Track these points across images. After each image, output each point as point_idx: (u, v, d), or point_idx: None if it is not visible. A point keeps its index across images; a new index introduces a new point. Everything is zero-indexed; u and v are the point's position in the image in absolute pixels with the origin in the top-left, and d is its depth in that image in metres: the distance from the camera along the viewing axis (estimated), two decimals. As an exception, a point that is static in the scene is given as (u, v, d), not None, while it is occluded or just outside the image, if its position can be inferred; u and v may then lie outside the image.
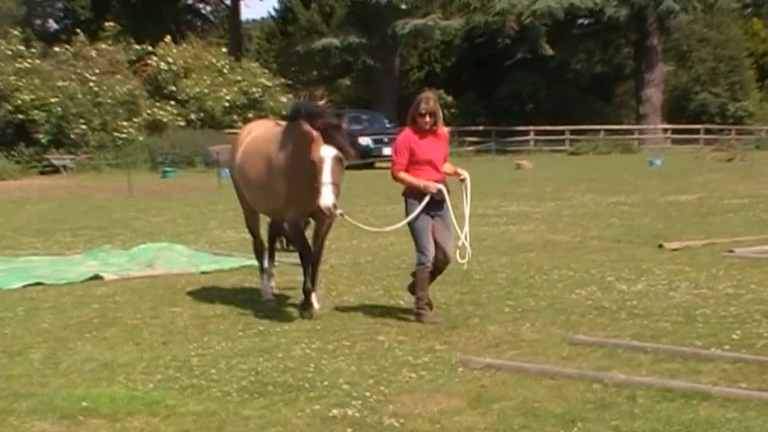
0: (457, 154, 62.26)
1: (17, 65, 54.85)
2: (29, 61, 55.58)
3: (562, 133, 71.32)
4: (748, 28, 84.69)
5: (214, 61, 60.97)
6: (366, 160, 53.28)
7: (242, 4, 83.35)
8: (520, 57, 72.97)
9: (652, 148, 67.96)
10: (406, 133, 13.16)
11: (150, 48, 59.64)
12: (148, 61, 58.92)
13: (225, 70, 60.81)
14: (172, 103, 57.48)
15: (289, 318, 13.58)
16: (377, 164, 53.84)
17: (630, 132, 74.38)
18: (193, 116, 57.34)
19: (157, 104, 56.91)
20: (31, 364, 11.20)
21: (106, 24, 62.09)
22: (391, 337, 12.18)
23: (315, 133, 12.76)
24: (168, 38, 61.26)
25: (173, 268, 17.93)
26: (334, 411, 9.13)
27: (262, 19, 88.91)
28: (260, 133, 14.88)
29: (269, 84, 61.86)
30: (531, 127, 71.00)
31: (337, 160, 12.77)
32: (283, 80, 64.17)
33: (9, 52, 55.93)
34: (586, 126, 71.67)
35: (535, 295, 14.88)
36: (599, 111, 77.25)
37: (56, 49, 58.50)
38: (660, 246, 19.64)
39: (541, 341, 11.89)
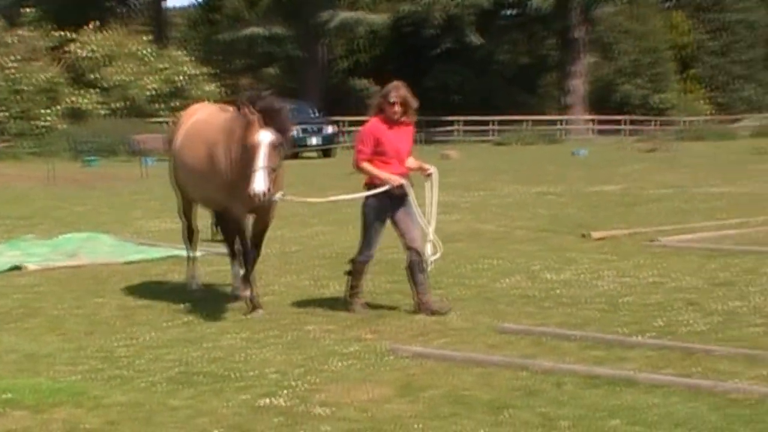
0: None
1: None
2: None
3: (487, 123, 71.68)
4: (669, 21, 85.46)
5: (137, 48, 60.69)
6: (292, 148, 53.36)
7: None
8: (447, 47, 73.26)
9: (576, 139, 68.60)
10: (374, 122, 12.69)
11: (72, 35, 59.25)
12: (69, 48, 58.51)
13: (149, 58, 60.53)
14: (94, 91, 57.17)
15: (216, 308, 13.46)
16: (305, 154, 53.80)
17: (555, 123, 74.98)
18: (116, 105, 57.07)
19: (79, 92, 56.54)
20: (-49, 356, 11.12)
21: (26, 9, 61.83)
22: (320, 326, 12.19)
23: (253, 117, 12.02)
24: (90, 25, 60.86)
25: (97, 258, 17.81)
26: (263, 401, 9.12)
27: (187, 6, 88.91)
28: (203, 118, 14.04)
29: (194, 72, 61.67)
30: (457, 117, 71.27)
31: (274, 146, 12.05)
32: (208, 69, 63.97)
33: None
34: (511, 117, 72.13)
35: (463, 284, 15.00)
36: (524, 102, 77.69)
37: (-26, 35, 58.33)
38: (585, 235, 19.83)
39: (468, 330, 11.98)
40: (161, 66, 60.48)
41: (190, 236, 14.94)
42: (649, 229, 20.56)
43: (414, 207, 12.66)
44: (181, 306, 13.63)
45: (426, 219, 12.81)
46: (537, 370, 9.94)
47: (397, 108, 12.36)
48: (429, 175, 12.88)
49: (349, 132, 59.53)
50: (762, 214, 23.03)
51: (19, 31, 58.05)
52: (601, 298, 13.74)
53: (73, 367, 10.48)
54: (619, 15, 79.42)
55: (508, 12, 73.04)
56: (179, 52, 64.98)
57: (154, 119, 55.59)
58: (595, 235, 19.91)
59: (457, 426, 8.38)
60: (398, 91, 12.45)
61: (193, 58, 64.34)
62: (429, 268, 12.98)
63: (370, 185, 12.63)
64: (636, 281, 15.01)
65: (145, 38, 63.95)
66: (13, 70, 54.22)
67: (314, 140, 54.26)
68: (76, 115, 55.23)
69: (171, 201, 28.98)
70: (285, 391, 9.40)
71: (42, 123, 53.53)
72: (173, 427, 8.52)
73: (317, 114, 57.86)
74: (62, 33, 59.15)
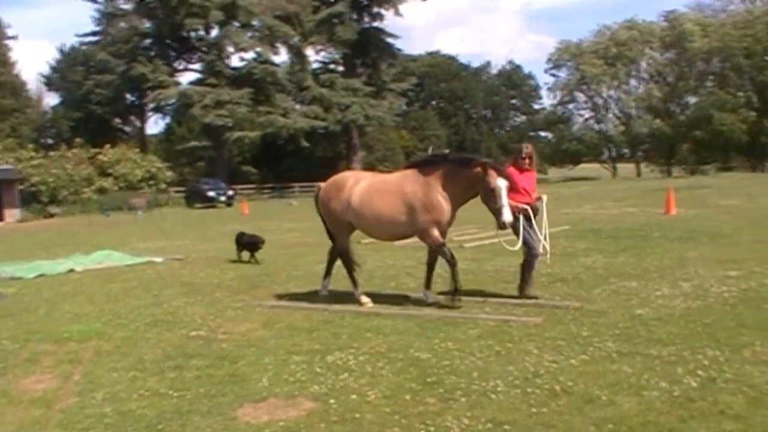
0: (260, 200, 61.75)
1: (32, 162, 53.43)
2: (37, 160, 54.13)
3: (312, 187, 70.97)
4: (400, 135, 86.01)
5: (131, 155, 59.45)
6: (211, 203, 53.11)
7: (146, 126, 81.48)
8: (290, 148, 72.93)
9: (356, 193, 68.28)
10: (510, 169, 10.24)
11: (99, 150, 58.00)
12: (98, 157, 57.31)
13: (137, 160, 59.31)
14: (111, 178, 56.11)
15: (171, 286, 13.19)
16: (218, 205, 53.25)
17: (345, 185, 74.60)
18: (121, 185, 55.97)
19: (103, 179, 55.49)
20: (38, 316, 10.78)
21: (76, 139, 60.27)
22: (223, 294, 12.03)
23: (490, 170, 9.61)
24: (108, 145, 59.64)
25: (112, 263, 17.25)
26: (193, 333, 9.12)
27: (157, 134, 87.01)
28: (377, 180, 10.94)
29: (160, 166, 60.54)
30: (296, 184, 70.79)
31: (507, 188, 9.65)
32: (167, 164, 63.00)
33: (28, 156, 54.37)
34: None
35: (298, 268, 14.95)
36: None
37: (51, 153, 56.74)
38: (359, 242, 19.67)
39: (299, 292, 11.95)
40: (143, 163, 59.22)
41: (351, 264, 11.38)
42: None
43: (534, 224, 10.37)
44: (153, 286, 13.28)
45: (541, 228, 10.38)
46: (332, 311, 10.05)
47: (526, 160, 10.43)
48: (540, 199, 10.64)
49: (239, 193, 59.47)
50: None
51: (73, 150, 56.65)
52: (366, 273, 13.53)
53: (97, 319, 10.29)
54: (376, 131, 79.62)
55: (320, 131, 72.78)
56: (153, 157, 63.47)
57: (140, 191, 54.69)
58: (364, 240, 19.83)
59: (293, 340, 8.46)
60: (527, 149, 10.54)
61: (160, 159, 63.11)
62: (547, 257, 10.76)
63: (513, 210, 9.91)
64: (383, 263, 15.15)
65: (135, 150, 62.46)
66: (69, 169, 53.23)
67: (223, 198, 53.98)
68: (101, 191, 54.11)
69: (150, 232, 28.23)
70: (204, 328, 9.37)
71: (84, 196, 52.54)
72: (147, 347, 8.47)
73: (224, 185, 57.36)
74: (94, 149, 57.88)
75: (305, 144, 70.62)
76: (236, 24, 66.47)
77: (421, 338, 8.24)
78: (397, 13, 72.67)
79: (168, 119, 79.07)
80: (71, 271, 16.34)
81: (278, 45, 69.59)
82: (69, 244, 24.84)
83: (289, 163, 75.83)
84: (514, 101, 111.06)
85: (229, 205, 53.69)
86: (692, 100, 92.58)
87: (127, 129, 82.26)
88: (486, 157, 10.19)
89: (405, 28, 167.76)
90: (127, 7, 68.97)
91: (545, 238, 10.36)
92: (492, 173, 9.57)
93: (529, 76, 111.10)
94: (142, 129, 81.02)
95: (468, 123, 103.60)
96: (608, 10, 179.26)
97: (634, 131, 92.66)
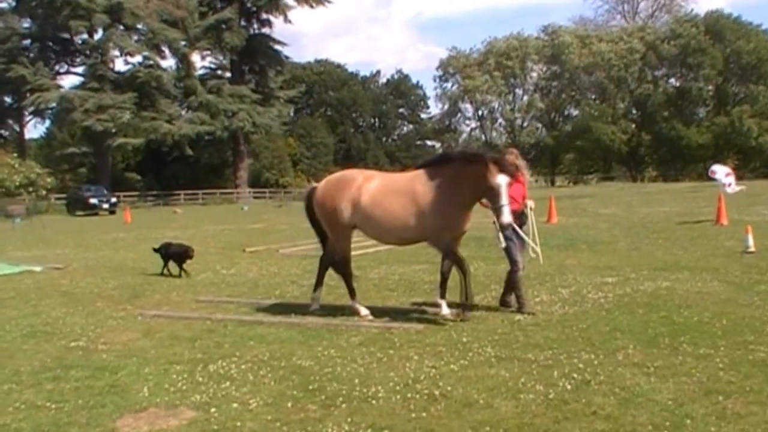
0: (144, 208, 60.44)
1: None
2: None
3: (197, 195, 70.11)
4: (287, 142, 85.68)
5: (9, 160, 57.04)
6: (93, 210, 51.72)
7: (25, 130, 78.18)
8: (176, 155, 71.70)
9: (243, 201, 67.70)
10: None
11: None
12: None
13: (16, 166, 56.94)
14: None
15: (50, 296, 12.68)
16: (100, 212, 51.88)
17: (232, 193, 73.86)
18: (-1, 191, 53.95)
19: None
20: None
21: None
22: (104, 303, 11.71)
23: (491, 165, 8.94)
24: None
25: (-14, 273, 16.67)
26: (73, 343, 8.86)
27: (37, 138, 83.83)
28: (389, 180, 9.94)
29: (40, 172, 58.24)
30: (181, 191, 69.67)
31: (509, 185, 9.03)
32: (48, 170, 60.80)
33: None
34: (211, 190, 71.01)
35: (182, 278, 14.70)
36: (217, 182, 76.12)
37: None
38: (244, 250, 19.74)
39: (182, 301, 11.78)
40: (22, 169, 56.84)
41: (347, 269, 10.24)
42: (276, 246, 20.52)
43: (521, 232, 9.86)
44: (32, 297, 12.76)
45: (531, 234, 10.02)
46: (215, 320, 9.98)
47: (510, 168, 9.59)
48: (526, 206, 9.95)
49: (122, 200, 57.86)
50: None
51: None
52: (249, 281, 13.75)
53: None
54: (263, 138, 79.10)
55: (207, 137, 71.83)
56: (32, 162, 60.97)
57: (18, 198, 52.48)
58: (248, 249, 19.84)
59: (174, 349, 8.37)
60: (511, 157, 9.80)
61: (39, 165, 60.73)
62: (540, 259, 10.26)
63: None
64: (267, 272, 15.02)
65: (14, 155, 59.89)
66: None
67: (106, 205, 52.65)
68: (-25, 197, 52.02)
69: (29, 240, 27.22)
70: (84, 338, 9.14)
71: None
72: (24, 359, 8.20)
73: (107, 192, 55.95)
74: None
75: (189, 151, 69.62)
76: (121, 27, 64.89)
77: (304, 346, 8.29)
78: (287, 20, 72.63)
79: (48, 123, 76.61)
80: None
81: (164, 50, 68.32)
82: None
83: (174, 170, 74.56)
84: (401, 110, 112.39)
85: (112, 212, 52.35)
86: (575, 111, 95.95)
87: (5, 133, 78.73)
88: (489, 152, 9.62)
89: (295, 36, 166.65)
90: (5, 5, 66.36)
91: (536, 243, 10.05)
92: (492, 169, 8.96)
93: (417, 86, 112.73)
94: (20, 133, 77.81)
95: (355, 131, 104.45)
96: (502, 20, 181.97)
97: (518, 141, 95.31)
